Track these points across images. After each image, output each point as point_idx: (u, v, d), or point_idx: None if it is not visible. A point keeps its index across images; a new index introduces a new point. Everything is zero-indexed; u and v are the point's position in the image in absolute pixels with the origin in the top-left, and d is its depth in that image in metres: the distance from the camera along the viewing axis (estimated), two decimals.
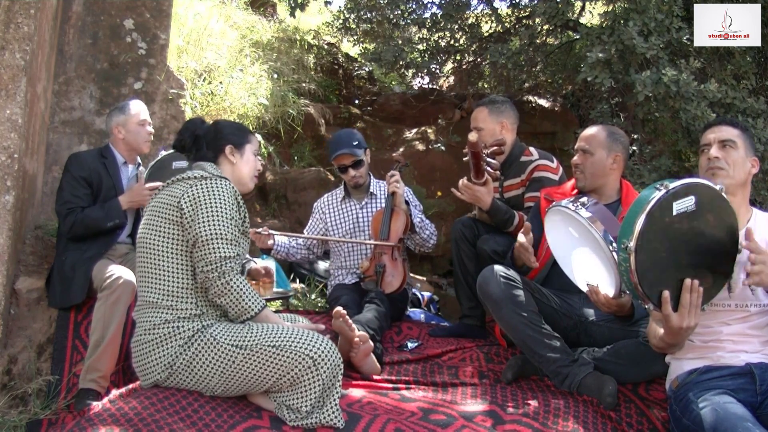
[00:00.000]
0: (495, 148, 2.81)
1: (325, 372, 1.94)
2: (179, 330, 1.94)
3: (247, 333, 1.94)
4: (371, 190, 3.40)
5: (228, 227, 1.96)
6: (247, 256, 3.17)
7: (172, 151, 2.95)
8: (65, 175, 2.83)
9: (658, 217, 1.68)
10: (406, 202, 3.24)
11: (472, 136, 2.53)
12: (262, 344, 1.91)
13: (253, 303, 1.98)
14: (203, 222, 1.93)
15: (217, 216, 1.95)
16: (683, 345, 1.94)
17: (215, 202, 1.96)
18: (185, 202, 1.97)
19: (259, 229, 3.14)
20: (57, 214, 2.80)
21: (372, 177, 3.46)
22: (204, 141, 2.19)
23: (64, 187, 2.80)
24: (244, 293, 1.96)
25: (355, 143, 3.26)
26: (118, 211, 2.78)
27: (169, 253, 1.98)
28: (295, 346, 1.92)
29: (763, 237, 1.93)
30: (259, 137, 3.33)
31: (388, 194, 3.21)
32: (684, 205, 1.70)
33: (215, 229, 1.93)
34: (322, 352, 1.94)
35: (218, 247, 1.93)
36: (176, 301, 1.96)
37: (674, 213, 1.70)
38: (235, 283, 1.94)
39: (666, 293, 1.71)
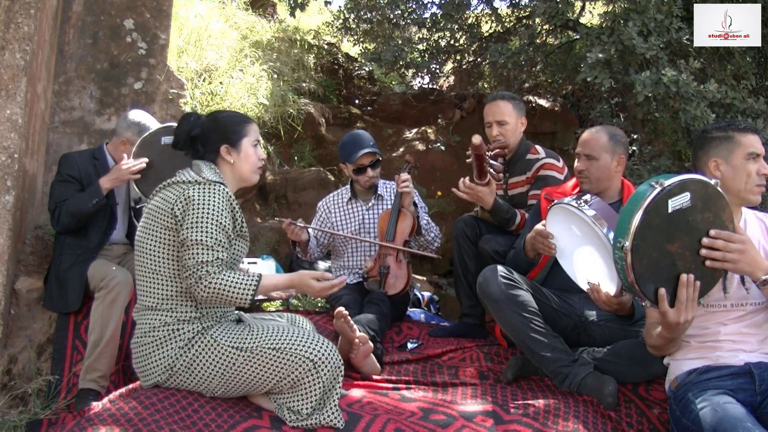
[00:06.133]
0: (498, 150, 2.81)
1: (325, 374, 1.94)
2: (179, 332, 1.93)
3: (247, 335, 1.94)
4: (379, 192, 3.38)
5: (211, 233, 1.90)
6: (245, 259, 3.14)
7: (162, 125, 2.83)
8: (56, 176, 2.82)
9: (654, 215, 1.68)
10: (414, 204, 3.22)
11: (476, 139, 2.52)
12: (262, 347, 1.91)
13: (241, 293, 1.90)
14: (188, 228, 1.90)
15: (203, 222, 1.90)
16: (679, 344, 1.94)
17: (203, 209, 1.91)
18: (178, 208, 1.94)
19: (296, 221, 3.07)
20: (50, 214, 2.79)
21: (379, 178, 3.44)
22: (200, 142, 2.10)
23: (54, 187, 2.79)
24: (228, 289, 1.88)
25: (372, 143, 3.26)
26: (98, 191, 2.71)
27: (166, 259, 1.96)
28: (296, 349, 1.91)
29: (753, 234, 1.94)
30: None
31: (396, 194, 3.20)
32: (679, 201, 1.70)
33: (197, 236, 1.89)
34: (323, 354, 1.94)
35: (196, 253, 1.88)
36: (175, 304, 1.96)
37: (670, 210, 1.69)
38: (214, 282, 1.87)
39: (662, 290, 1.71)
